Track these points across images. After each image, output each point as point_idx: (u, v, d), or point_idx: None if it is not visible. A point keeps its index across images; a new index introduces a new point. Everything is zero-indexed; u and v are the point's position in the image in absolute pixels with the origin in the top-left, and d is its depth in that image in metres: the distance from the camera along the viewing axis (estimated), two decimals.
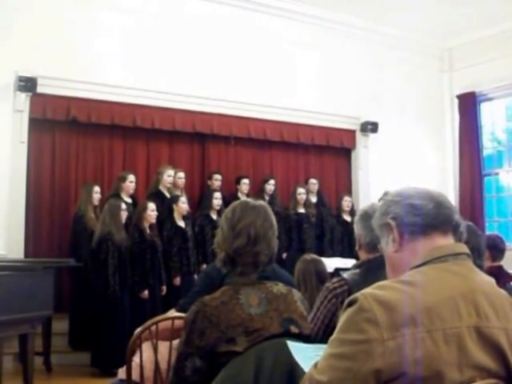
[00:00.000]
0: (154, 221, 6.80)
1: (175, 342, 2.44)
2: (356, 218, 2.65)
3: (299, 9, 9.05)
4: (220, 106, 8.44)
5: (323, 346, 1.43)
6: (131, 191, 7.30)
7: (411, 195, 1.57)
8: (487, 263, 4.49)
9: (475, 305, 1.40)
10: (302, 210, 8.48)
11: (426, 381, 1.29)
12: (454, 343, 1.33)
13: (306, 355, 1.63)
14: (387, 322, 1.31)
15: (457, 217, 1.56)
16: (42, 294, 4.91)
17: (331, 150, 9.75)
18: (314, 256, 4.46)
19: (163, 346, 2.79)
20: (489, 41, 9.55)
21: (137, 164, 8.13)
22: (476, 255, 2.84)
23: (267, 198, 8.19)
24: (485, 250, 3.01)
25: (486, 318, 1.39)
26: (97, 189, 7.10)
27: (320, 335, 2.49)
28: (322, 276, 4.16)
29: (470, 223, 2.84)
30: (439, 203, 1.55)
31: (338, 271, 2.71)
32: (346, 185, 9.86)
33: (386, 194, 1.66)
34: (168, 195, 7.52)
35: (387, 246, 1.60)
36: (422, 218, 1.52)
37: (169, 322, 2.77)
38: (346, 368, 1.31)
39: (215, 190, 7.89)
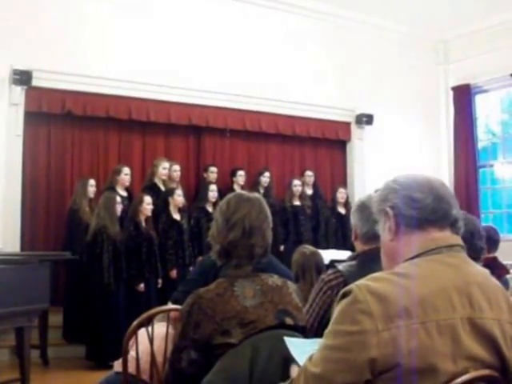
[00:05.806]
0: (149, 214, 6.79)
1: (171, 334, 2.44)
2: (353, 209, 2.63)
3: (290, 0, 9.02)
4: (215, 99, 8.41)
5: (320, 341, 1.43)
6: (126, 184, 7.28)
7: (411, 186, 1.55)
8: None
9: (469, 296, 1.40)
10: (297, 203, 8.46)
11: (420, 372, 1.30)
12: (448, 334, 1.34)
13: (303, 350, 1.62)
14: (381, 314, 1.32)
15: (455, 212, 1.54)
16: (38, 287, 4.89)
17: (326, 143, 9.74)
18: (312, 248, 4.41)
19: (159, 339, 2.79)
20: (484, 33, 9.53)
21: (132, 157, 8.11)
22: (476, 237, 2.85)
23: (262, 190, 8.17)
24: (484, 234, 3.01)
25: (480, 309, 1.40)
26: (92, 182, 7.09)
27: (315, 327, 2.49)
28: (320, 269, 4.15)
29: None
30: (439, 197, 1.53)
31: (333, 263, 2.70)
32: (340, 177, 9.84)
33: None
34: (163, 188, 7.50)
35: (383, 233, 1.60)
36: (419, 212, 1.51)
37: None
38: (340, 359, 1.31)
39: (211, 183, 7.87)
